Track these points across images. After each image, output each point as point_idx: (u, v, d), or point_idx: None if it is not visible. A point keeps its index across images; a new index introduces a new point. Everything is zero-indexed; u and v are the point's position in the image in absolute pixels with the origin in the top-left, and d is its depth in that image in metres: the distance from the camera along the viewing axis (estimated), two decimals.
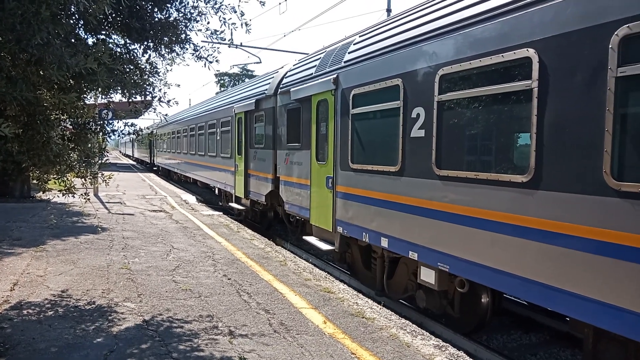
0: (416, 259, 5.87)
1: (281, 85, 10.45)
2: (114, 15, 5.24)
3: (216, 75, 57.34)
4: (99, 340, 4.52)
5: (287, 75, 10.43)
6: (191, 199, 18.02)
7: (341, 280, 7.72)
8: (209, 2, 5.75)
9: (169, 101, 6.19)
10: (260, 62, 23.71)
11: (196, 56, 6.05)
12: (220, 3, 5.73)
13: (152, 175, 31.67)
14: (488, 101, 4.83)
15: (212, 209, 15.38)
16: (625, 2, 3.47)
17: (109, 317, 5.14)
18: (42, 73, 4.43)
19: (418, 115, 5.77)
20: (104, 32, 5.40)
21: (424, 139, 5.64)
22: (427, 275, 5.86)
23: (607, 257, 3.63)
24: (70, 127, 6.11)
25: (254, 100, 11.97)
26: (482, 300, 5.68)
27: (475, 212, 4.90)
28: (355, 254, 8.03)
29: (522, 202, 4.36)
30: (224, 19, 5.76)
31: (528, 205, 4.30)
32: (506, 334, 6.56)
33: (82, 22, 4.89)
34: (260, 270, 7.46)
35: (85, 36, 5.23)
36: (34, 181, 7.56)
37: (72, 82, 4.91)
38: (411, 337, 4.98)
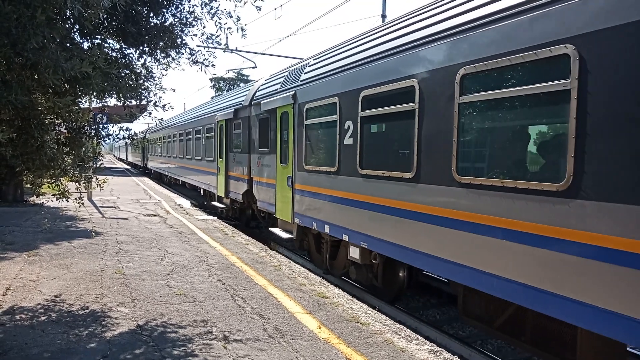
0: (347, 240, 7.36)
1: (254, 98, 12.06)
2: (109, 19, 5.24)
3: (212, 79, 57.24)
4: (92, 345, 4.50)
5: (259, 89, 12.03)
6: (185, 203, 17.98)
7: (336, 285, 7.72)
8: (204, 7, 5.77)
9: (164, 105, 6.19)
10: (256, 67, 23.66)
11: (192, 61, 6.05)
12: (216, 8, 5.75)
13: (146, 179, 31.56)
14: (389, 117, 6.39)
15: (206, 214, 15.35)
16: (464, 52, 4.95)
17: (103, 322, 5.11)
18: (37, 77, 4.42)
19: (349, 126, 7.22)
20: (99, 37, 5.39)
21: (352, 145, 7.11)
22: (354, 252, 7.38)
23: (458, 230, 5.02)
24: (65, 131, 6.09)
25: (233, 110, 13.49)
26: (400, 274, 7.13)
27: (382, 202, 6.39)
28: (310, 241, 9.38)
29: (409, 192, 5.83)
30: (220, 23, 5.76)
31: (412, 195, 5.77)
32: (501, 338, 6.57)
33: (77, 27, 4.90)
34: (255, 275, 7.44)
35: (81, 40, 5.23)
36: (28, 185, 7.53)
37: (67, 86, 4.91)
38: (406, 342, 4.99)
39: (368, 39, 7.15)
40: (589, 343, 4.24)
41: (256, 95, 11.98)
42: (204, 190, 18.00)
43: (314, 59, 9.23)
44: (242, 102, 12.90)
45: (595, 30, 3.66)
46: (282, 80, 10.41)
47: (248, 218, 14.07)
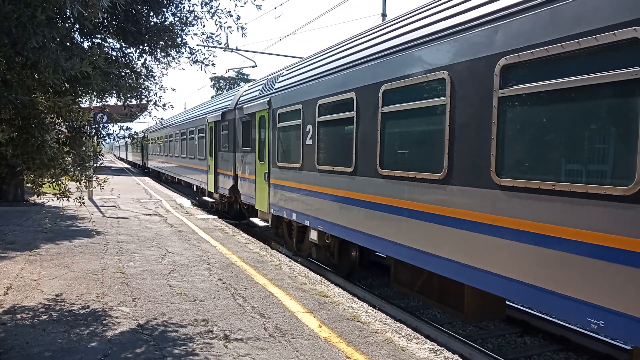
0: (308, 225, 8.82)
1: (238, 102, 13.45)
2: (109, 19, 5.24)
3: (212, 79, 57.22)
4: (93, 344, 4.50)
5: (243, 94, 13.50)
6: (186, 202, 17.99)
7: (336, 284, 7.72)
8: (205, 6, 5.76)
9: (164, 105, 6.18)
10: (256, 66, 23.69)
11: (192, 60, 6.05)
12: (217, 7, 5.74)
13: (146, 178, 31.56)
14: (338, 122, 7.74)
15: (207, 213, 15.36)
16: (385, 72, 6.33)
17: (104, 322, 5.11)
18: (37, 76, 4.42)
19: (309, 129, 8.62)
20: (99, 36, 5.39)
21: (312, 145, 8.50)
22: (313, 235, 8.86)
23: (380, 212, 6.42)
24: (65, 130, 6.09)
25: (221, 113, 14.84)
26: (352, 253, 8.39)
27: (333, 192, 7.81)
28: (283, 228, 10.82)
29: (350, 183, 7.23)
30: (220, 22, 5.76)
31: (352, 186, 7.16)
32: (501, 337, 6.58)
33: (77, 26, 4.89)
34: (256, 274, 7.45)
35: (81, 40, 5.22)
36: (28, 185, 7.54)
37: (67, 85, 4.90)
38: (406, 340, 4.99)
39: (324, 57, 8.67)
40: (473, 296, 5.48)
41: (240, 100, 13.37)
42: (197, 186, 19.65)
43: (286, 70, 10.72)
44: (229, 106, 14.32)
45: (458, 61, 5.05)
46: (260, 87, 11.94)
47: (236, 212, 15.23)
